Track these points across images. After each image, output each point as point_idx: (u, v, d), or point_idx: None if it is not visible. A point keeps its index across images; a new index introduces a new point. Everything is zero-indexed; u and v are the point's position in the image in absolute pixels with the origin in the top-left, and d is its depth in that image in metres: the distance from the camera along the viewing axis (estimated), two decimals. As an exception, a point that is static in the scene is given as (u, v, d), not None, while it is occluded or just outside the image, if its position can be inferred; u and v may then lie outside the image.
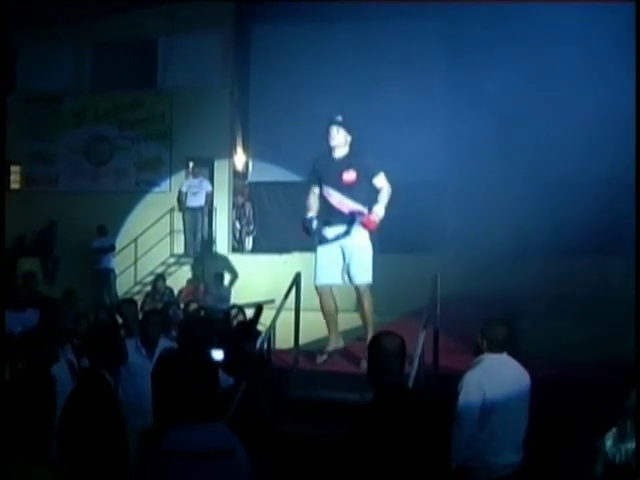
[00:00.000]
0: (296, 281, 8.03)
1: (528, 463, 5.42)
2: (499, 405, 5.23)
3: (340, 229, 7.69)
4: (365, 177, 7.65)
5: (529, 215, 13.06)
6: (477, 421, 5.18)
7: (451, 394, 5.27)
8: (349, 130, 7.73)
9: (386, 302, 11.26)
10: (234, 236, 18.14)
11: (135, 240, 17.59)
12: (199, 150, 17.63)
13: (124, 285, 17.45)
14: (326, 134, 7.70)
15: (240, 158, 18.25)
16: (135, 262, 17.69)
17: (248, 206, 18.09)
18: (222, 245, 17.82)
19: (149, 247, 17.60)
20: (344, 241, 7.69)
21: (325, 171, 7.78)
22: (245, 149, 18.23)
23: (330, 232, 7.77)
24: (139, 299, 14.56)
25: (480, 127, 13.77)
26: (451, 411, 5.10)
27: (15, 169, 18.74)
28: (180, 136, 17.79)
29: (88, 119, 18.47)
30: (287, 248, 15.71)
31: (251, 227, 18.11)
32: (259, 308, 4.58)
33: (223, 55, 17.79)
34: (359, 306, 7.88)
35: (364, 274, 7.73)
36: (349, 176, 7.60)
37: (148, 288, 16.91)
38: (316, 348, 8.27)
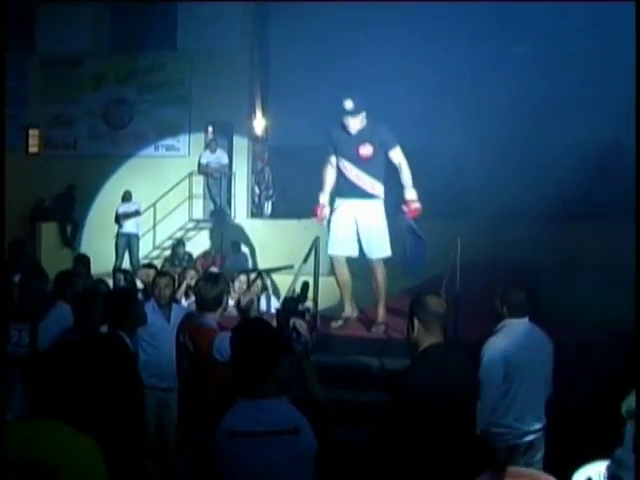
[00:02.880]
0: (315, 246, 8.02)
1: (550, 428, 5.39)
2: (522, 371, 5.19)
3: (356, 203, 7.68)
4: (381, 150, 7.63)
5: (551, 180, 12.91)
6: (500, 387, 5.13)
7: (471, 359, 5.22)
8: (361, 107, 7.58)
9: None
10: (253, 201, 18.09)
11: (154, 205, 17.58)
12: (219, 114, 17.54)
13: (143, 249, 17.45)
14: (342, 120, 7.59)
15: (260, 122, 18.13)
16: (154, 227, 17.70)
17: (267, 171, 18.01)
18: (241, 210, 17.79)
19: (168, 212, 17.60)
20: (360, 215, 7.69)
21: (341, 143, 7.72)
22: (265, 113, 18.10)
23: (346, 205, 7.75)
24: (158, 264, 14.62)
25: (503, 91, 13.61)
26: (473, 376, 5.06)
27: (34, 133, 18.77)
28: (200, 100, 17.68)
29: (107, 82, 18.40)
30: (306, 213, 15.51)
31: (270, 192, 18.04)
32: (306, 285, 4.50)
33: (243, 17, 17.61)
34: (372, 279, 7.86)
35: (379, 249, 7.72)
36: (366, 150, 7.59)
37: (167, 253, 16.95)
38: (335, 313, 8.26)
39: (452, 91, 14.66)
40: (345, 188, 7.75)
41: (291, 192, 17.29)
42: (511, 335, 5.27)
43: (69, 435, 3.19)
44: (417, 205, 7.66)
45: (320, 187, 7.97)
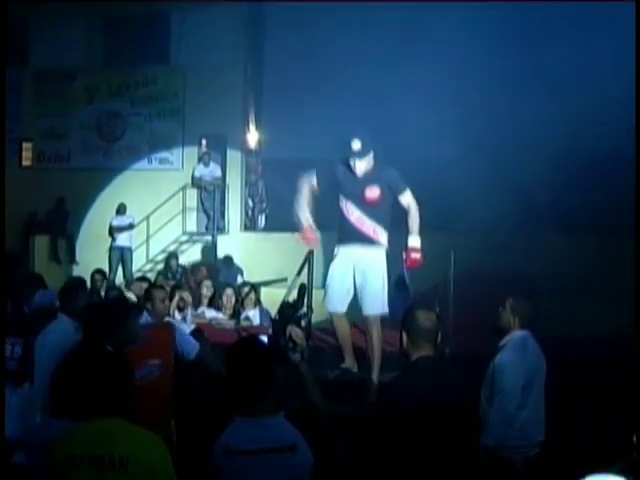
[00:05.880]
0: (308, 259, 7.98)
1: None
2: (536, 382, 5.26)
3: (356, 250, 7.12)
4: (389, 193, 7.06)
5: (545, 191, 12.95)
6: (518, 399, 5.15)
7: (462, 372, 5.21)
8: (369, 148, 7.02)
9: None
10: (247, 214, 18.09)
11: (147, 217, 17.57)
12: (212, 127, 17.56)
13: (136, 263, 17.45)
14: (348, 160, 7.05)
15: (253, 135, 18.13)
16: (147, 240, 17.68)
17: (261, 184, 18.01)
18: (234, 223, 17.78)
19: (161, 225, 17.58)
20: (358, 264, 7.11)
21: (346, 184, 7.13)
22: (258, 126, 18.10)
23: (344, 252, 7.19)
24: (151, 277, 14.58)
25: (495, 102, 13.63)
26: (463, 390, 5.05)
27: (27, 146, 18.76)
28: (193, 113, 17.71)
29: (100, 96, 18.41)
30: (300, 227, 15.61)
31: (264, 205, 18.03)
32: (303, 287, 4.31)
33: (236, 31, 17.65)
34: (367, 336, 7.16)
35: (376, 305, 7.08)
36: (372, 193, 6.98)
37: (160, 266, 16.93)
38: (328, 326, 8.19)
39: (446, 103, 14.67)
40: (345, 233, 7.17)
41: (285, 205, 17.15)
42: (523, 347, 5.30)
43: (135, 431, 3.36)
44: (417, 256, 7.00)
45: (298, 208, 7.42)
